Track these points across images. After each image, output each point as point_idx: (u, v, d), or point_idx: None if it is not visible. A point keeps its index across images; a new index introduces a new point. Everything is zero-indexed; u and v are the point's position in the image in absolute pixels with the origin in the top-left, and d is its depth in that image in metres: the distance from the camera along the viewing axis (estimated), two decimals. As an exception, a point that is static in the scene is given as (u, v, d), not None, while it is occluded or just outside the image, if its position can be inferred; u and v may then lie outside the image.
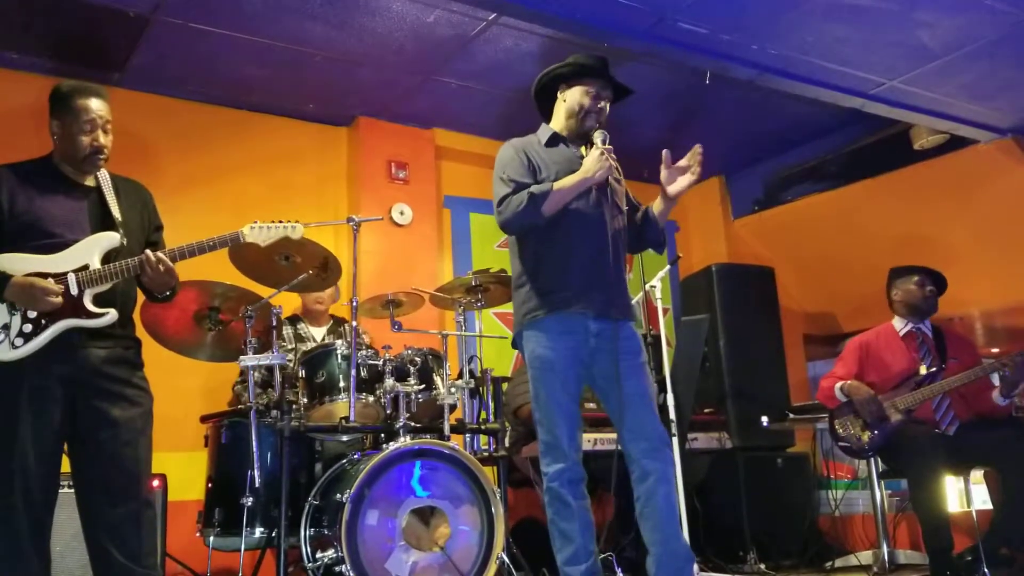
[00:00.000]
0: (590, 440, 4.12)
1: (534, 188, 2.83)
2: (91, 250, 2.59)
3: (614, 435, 3.79)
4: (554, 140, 3.03)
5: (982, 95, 4.26)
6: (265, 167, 5.04)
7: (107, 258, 2.60)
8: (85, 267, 2.57)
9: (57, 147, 2.70)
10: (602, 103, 3.01)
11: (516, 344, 2.97)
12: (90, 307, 2.55)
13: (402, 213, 5.25)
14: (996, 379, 3.91)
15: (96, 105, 2.65)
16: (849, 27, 3.62)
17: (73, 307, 2.53)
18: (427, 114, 5.28)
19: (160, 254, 2.60)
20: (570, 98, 3.01)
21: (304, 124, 5.24)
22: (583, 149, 3.02)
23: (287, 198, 5.00)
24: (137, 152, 4.42)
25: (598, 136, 2.92)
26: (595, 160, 2.86)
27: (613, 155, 2.90)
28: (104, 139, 2.67)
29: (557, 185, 2.84)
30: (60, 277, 2.53)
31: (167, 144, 4.73)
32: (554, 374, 2.81)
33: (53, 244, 2.57)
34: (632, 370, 2.84)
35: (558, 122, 3.07)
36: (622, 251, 2.99)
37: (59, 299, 2.50)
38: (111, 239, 2.63)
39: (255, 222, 2.80)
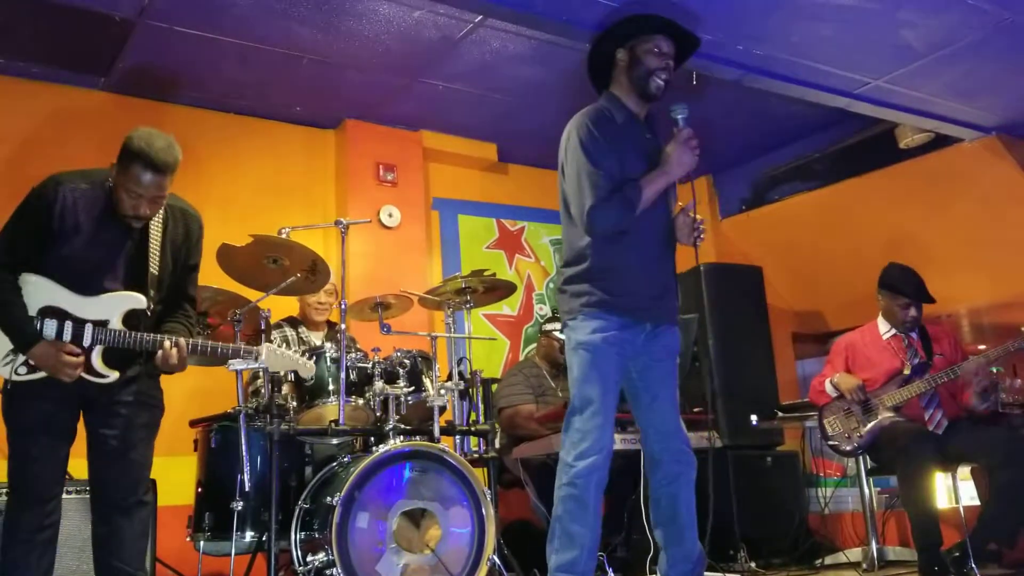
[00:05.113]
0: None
1: (627, 191, 2.65)
2: (116, 307, 2.58)
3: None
4: (627, 118, 2.80)
5: (966, 94, 4.29)
6: (252, 170, 5.03)
7: (128, 317, 2.59)
8: (105, 323, 2.55)
9: (113, 182, 2.59)
10: (666, 59, 2.75)
11: (564, 326, 2.83)
12: (96, 365, 2.55)
13: (390, 215, 5.25)
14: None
15: (148, 180, 2.50)
16: (833, 27, 3.64)
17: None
18: (414, 116, 5.28)
19: (178, 344, 2.57)
20: (629, 57, 2.77)
21: (291, 127, 5.22)
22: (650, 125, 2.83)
23: (275, 201, 4.99)
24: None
25: (679, 113, 2.72)
26: (679, 154, 2.67)
27: (695, 140, 2.69)
28: (146, 209, 2.57)
29: (645, 184, 2.66)
30: (79, 327, 2.52)
31: (153, 148, 4.69)
32: (602, 361, 2.69)
33: (83, 283, 2.55)
34: (668, 373, 2.82)
35: (620, 86, 2.82)
36: (674, 248, 2.90)
37: (77, 374, 2.50)
38: (137, 301, 2.61)
39: (274, 344, 2.85)
